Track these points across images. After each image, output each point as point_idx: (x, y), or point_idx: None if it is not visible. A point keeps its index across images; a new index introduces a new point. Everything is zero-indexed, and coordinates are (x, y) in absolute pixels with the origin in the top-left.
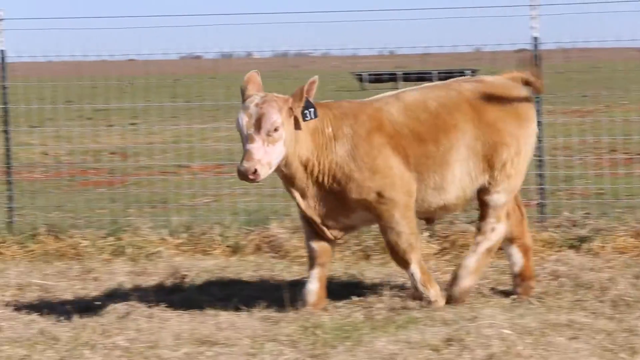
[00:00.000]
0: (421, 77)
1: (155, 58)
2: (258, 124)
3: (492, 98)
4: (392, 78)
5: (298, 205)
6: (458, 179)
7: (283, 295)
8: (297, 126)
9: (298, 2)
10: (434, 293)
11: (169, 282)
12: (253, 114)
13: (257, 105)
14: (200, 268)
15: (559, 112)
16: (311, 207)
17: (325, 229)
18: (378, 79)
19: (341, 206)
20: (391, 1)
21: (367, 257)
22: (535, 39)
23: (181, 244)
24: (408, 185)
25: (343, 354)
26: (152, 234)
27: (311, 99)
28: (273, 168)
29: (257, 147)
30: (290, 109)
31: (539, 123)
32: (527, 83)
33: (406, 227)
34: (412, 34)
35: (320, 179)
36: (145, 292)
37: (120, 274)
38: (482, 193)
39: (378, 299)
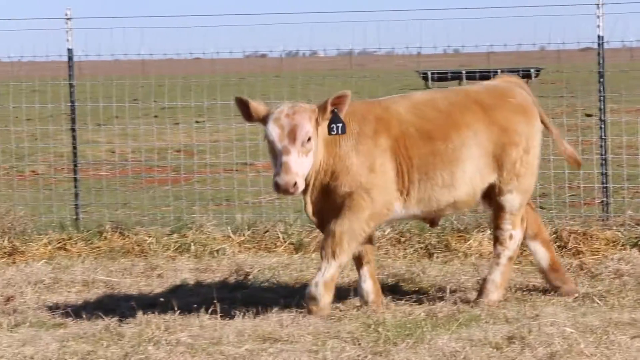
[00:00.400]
0: (485, 76)
1: (221, 57)
2: (292, 135)
3: (498, 98)
4: (456, 76)
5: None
6: (468, 176)
7: (345, 293)
8: (322, 135)
9: (363, 1)
10: (327, 300)
11: (232, 279)
12: (285, 125)
13: (287, 116)
14: (263, 265)
15: (623, 111)
16: (311, 209)
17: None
18: (442, 77)
19: (333, 205)
20: (456, 0)
21: (429, 255)
22: (601, 37)
23: (244, 241)
24: (391, 197)
25: (405, 351)
26: (216, 231)
27: (341, 114)
28: (305, 178)
29: (294, 160)
30: (317, 120)
31: (603, 122)
32: (522, 87)
33: (362, 229)
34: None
35: (322, 176)
36: (208, 289)
37: (184, 271)
38: (495, 194)
39: (440, 296)
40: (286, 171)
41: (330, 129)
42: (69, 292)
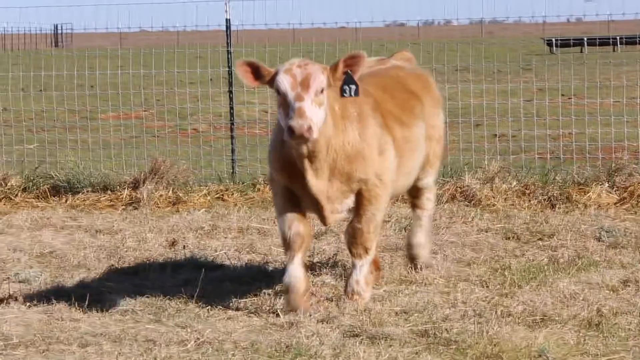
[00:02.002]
0: (604, 42)
1: (363, 26)
2: (306, 83)
3: (425, 87)
4: (578, 43)
5: (304, 184)
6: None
7: (474, 240)
8: (333, 96)
9: None
10: (370, 295)
11: None
12: (298, 74)
13: (299, 66)
14: (400, 215)
15: None
16: (322, 188)
17: (328, 213)
18: (565, 44)
19: (343, 187)
20: None
21: (552, 206)
22: None
23: None
24: (394, 174)
25: (528, 293)
26: None
27: (355, 76)
28: (317, 132)
29: (308, 106)
30: (328, 77)
31: None
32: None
33: (381, 216)
34: (598, 2)
35: (335, 157)
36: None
37: None
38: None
39: (561, 243)
40: (300, 115)
41: (342, 91)
42: (225, 237)
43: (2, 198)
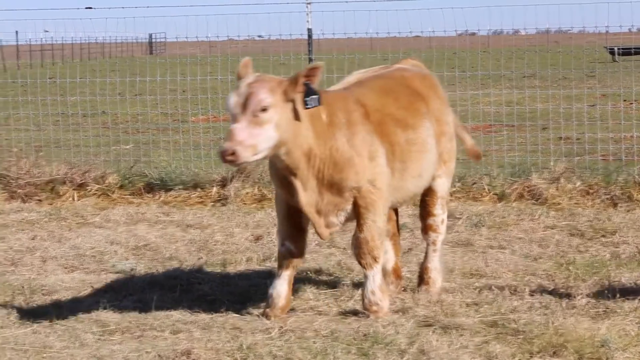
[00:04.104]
0: None
1: (436, 35)
2: (244, 104)
3: (431, 87)
4: (639, 51)
5: (296, 198)
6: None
7: (540, 236)
8: (296, 114)
9: None
10: (387, 304)
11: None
12: (242, 94)
13: (248, 84)
14: (471, 212)
15: None
16: (311, 201)
17: (321, 225)
18: (627, 52)
19: (336, 199)
20: None
21: (614, 204)
22: None
23: (455, 192)
24: (389, 179)
25: (592, 286)
26: None
27: (314, 86)
28: (261, 152)
29: (241, 128)
30: (285, 92)
31: None
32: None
33: (383, 222)
34: None
35: (322, 167)
36: None
37: (404, 216)
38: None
39: (623, 240)
40: (228, 138)
41: (305, 103)
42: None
43: (101, 195)
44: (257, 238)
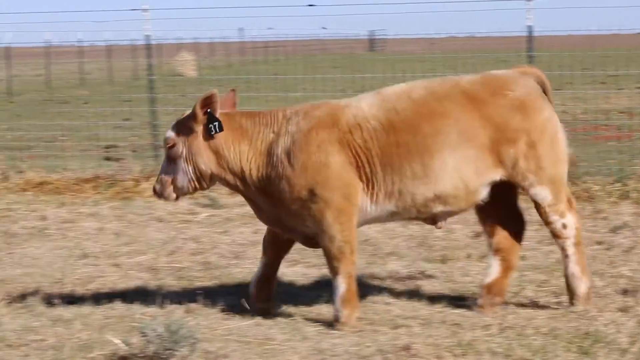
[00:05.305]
0: None
1: None
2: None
3: (492, 91)
4: None
5: (257, 215)
6: (452, 167)
7: None
8: (207, 138)
9: None
10: (347, 314)
11: None
12: None
13: None
14: None
15: None
16: (264, 216)
17: (299, 241)
18: None
19: (294, 212)
20: None
21: None
22: None
23: None
24: (347, 188)
25: None
26: None
27: (215, 113)
28: (184, 185)
29: (162, 167)
30: (187, 126)
31: None
32: (538, 78)
33: (339, 232)
34: None
35: (261, 185)
36: None
37: (625, 215)
38: (523, 191)
39: None
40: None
41: (209, 130)
42: (527, 230)
43: None
44: (478, 234)
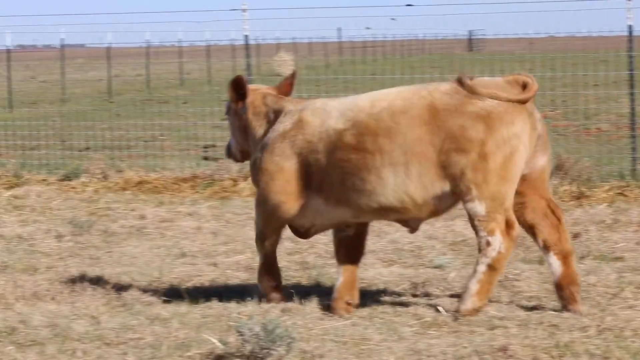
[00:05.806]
0: None
1: None
2: None
3: (460, 101)
4: None
5: None
6: (392, 183)
7: None
8: (238, 118)
9: None
10: (266, 286)
11: None
12: None
13: None
14: None
15: None
16: None
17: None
18: None
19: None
20: None
21: None
22: None
23: None
24: (283, 199)
25: None
26: None
27: (246, 96)
28: (236, 153)
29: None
30: (228, 106)
31: None
32: (524, 85)
33: (264, 227)
34: None
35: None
36: None
37: None
38: (462, 203)
39: None
40: None
41: (237, 111)
42: (626, 231)
43: None
44: (575, 235)
